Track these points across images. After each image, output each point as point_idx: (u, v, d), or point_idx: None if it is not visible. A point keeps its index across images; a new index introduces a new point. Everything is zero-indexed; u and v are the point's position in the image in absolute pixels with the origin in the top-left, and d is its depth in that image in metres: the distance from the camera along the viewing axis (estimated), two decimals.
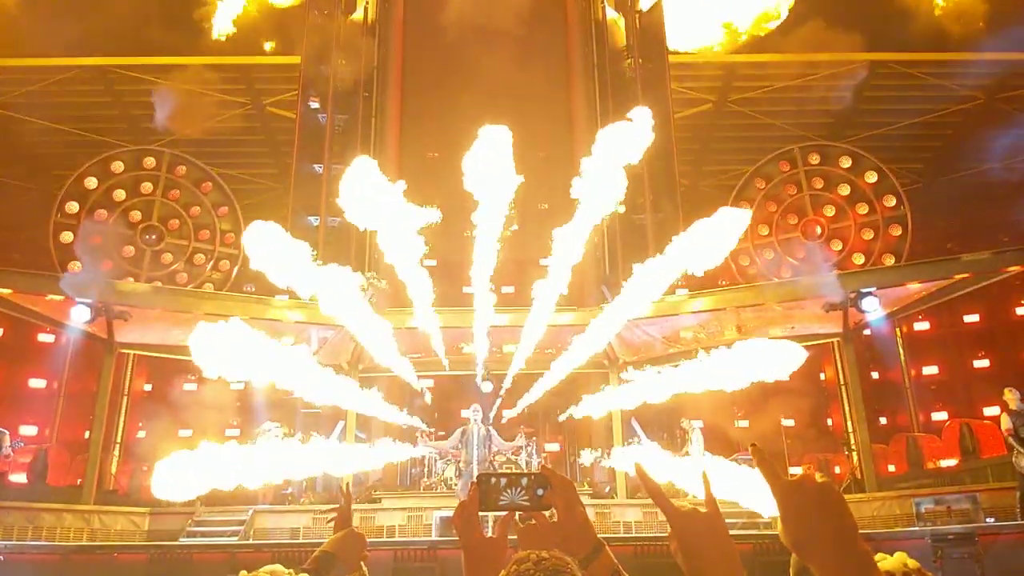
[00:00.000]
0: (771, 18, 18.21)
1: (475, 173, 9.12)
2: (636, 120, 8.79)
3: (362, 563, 2.24)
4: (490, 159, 8.97)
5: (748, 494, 8.21)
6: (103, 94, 19.69)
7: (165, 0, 19.41)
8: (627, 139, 8.78)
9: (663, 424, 16.86)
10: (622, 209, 10.66)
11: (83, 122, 19.05)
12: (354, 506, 11.70)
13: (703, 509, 1.31)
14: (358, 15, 19.59)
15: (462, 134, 11.10)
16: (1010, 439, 10.03)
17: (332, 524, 2.36)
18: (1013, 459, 10.01)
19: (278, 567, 1.80)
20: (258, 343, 8.38)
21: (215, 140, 19.53)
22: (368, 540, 2.30)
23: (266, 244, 8.66)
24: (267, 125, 20.01)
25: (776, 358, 9.06)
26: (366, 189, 9.13)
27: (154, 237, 18.13)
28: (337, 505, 2.36)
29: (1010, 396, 10.20)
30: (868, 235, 18.32)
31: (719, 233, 9.21)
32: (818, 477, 1.15)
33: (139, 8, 18.08)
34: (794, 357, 9.22)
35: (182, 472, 7.33)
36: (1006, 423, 10.13)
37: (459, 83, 17.18)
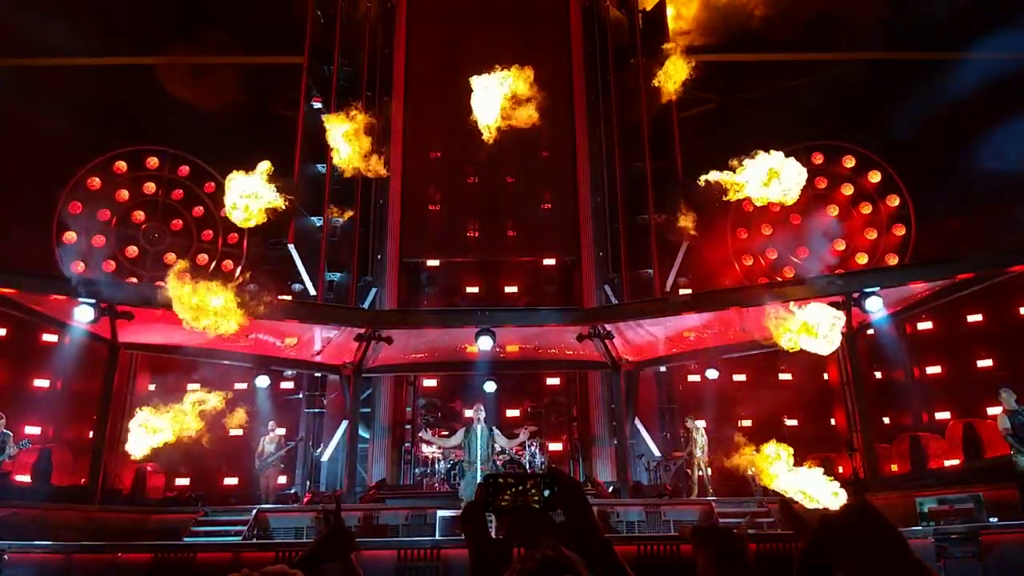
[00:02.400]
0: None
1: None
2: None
3: (352, 558, 2.26)
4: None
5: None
6: (106, 94, 19.68)
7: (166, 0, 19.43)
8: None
9: (666, 424, 16.86)
10: None
11: (86, 122, 19.05)
12: (357, 505, 11.68)
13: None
14: (361, 16, 19.62)
15: (463, 134, 11.12)
16: (1009, 438, 10.02)
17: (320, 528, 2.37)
18: (1014, 458, 10.00)
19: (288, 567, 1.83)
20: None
21: (218, 140, 19.53)
22: (371, 540, 2.31)
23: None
24: (270, 125, 20.01)
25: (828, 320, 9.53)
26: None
27: (157, 236, 18.17)
28: (324, 508, 2.38)
29: (1006, 396, 10.20)
30: (872, 234, 18.30)
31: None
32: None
33: (140, 7, 18.09)
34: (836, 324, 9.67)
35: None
36: (1004, 423, 10.11)
37: (461, 83, 17.22)
